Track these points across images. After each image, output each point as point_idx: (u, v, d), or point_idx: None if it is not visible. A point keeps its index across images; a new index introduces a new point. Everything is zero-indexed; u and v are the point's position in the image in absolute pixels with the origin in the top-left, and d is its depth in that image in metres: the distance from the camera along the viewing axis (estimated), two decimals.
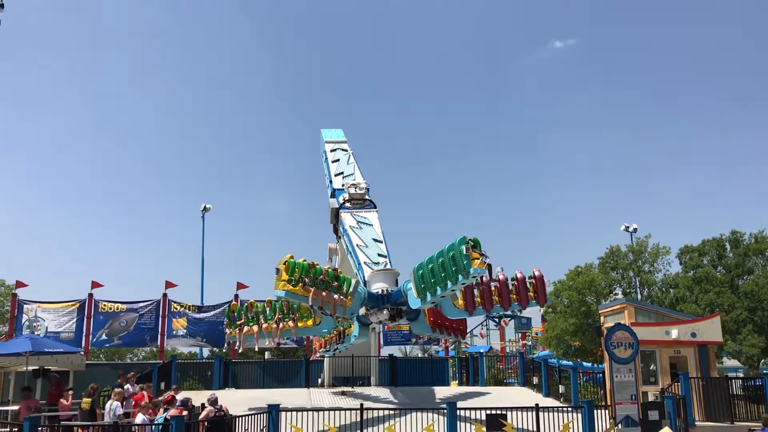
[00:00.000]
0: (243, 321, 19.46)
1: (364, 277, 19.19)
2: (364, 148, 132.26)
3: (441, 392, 23.42)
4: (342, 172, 24.21)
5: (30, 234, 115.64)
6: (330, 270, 17.04)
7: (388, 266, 19.21)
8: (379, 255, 19.73)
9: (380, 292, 18.33)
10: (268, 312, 19.39)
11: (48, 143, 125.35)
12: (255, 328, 19.30)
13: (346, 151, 25.68)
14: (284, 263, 16.29)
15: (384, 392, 23.24)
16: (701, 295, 33.59)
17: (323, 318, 19.20)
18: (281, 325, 19.20)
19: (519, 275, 17.61)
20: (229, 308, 20.41)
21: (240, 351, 21.12)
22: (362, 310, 18.70)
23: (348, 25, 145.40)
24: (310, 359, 28.28)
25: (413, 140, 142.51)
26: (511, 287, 17.43)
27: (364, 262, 19.41)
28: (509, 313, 18.84)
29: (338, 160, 25.07)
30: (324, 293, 16.53)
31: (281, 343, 33.14)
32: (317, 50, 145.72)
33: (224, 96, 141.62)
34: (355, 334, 20.91)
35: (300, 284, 16.22)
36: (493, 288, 17.55)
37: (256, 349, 22.09)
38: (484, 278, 16.42)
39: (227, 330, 20.31)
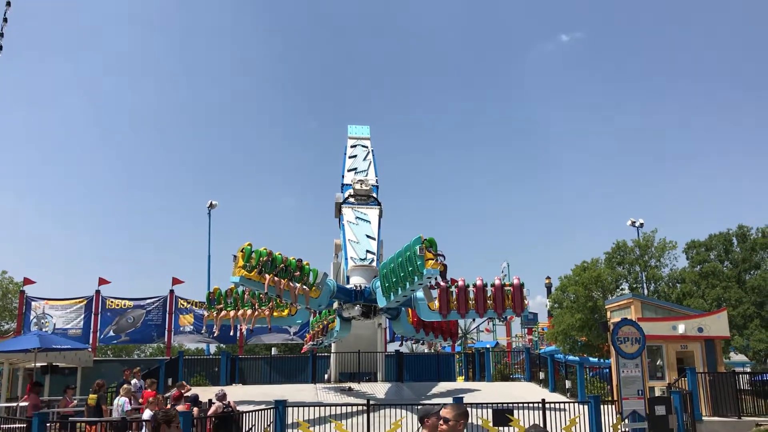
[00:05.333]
0: (222, 305, 19.66)
1: (346, 271, 19.30)
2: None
3: (447, 388, 23.43)
4: (356, 168, 24.23)
5: (37, 231, 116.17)
6: (293, 260, 17.00)
7: (373, 264, 19.28)
8: (367, 251, 19.80)
9: (354, 288, 18.40)
10: (246, 299, 19.53)
11: (55, 140, 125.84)
12: (232, 313, 19.53)
13: (366, 147, 25.65)
14: (241, 250, 16.34)
15: (390, 388, 23.28)
16: (708, 290, 33.47)
17: (298, 310, 19.35)
18: (257, 312, 19.34)
19: (497, 282, 17.53)
20: (210, 292, 20.62)
21: (216, 334, 21.36)
22: (336, 304, 18.85)
23: (355, 20, 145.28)
24: (301, 351, 28.43)
25: (419, 132, 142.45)
26: (489, 293, 17.37)
27: (351, 257, 19.55)
28: (483, 319, 18.74)
29: (355, 156, 25.10)
30: (283, 282, 16.49)
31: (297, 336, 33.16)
32: (325, 46, 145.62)
33: (231, 92, 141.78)
34: (337, 328, 21.05)
35: (255, 271, 16.21)
36: (471, 293, 17.48)
37: (232, 333, 22.31)
38: (438, 279, 16.00)
39: (205, 313, 20.60)
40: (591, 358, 34.42)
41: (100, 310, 31.31)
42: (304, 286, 16.90)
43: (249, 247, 16.41)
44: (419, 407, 6.05)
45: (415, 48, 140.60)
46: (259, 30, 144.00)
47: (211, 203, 42.92)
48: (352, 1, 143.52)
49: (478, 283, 17.46)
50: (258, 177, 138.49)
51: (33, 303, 31.11)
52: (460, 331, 37.01)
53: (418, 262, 14.68)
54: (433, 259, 14.66)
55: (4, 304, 38.84)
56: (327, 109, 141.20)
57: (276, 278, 16.34)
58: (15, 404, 19.47)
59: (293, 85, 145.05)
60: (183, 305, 32.41)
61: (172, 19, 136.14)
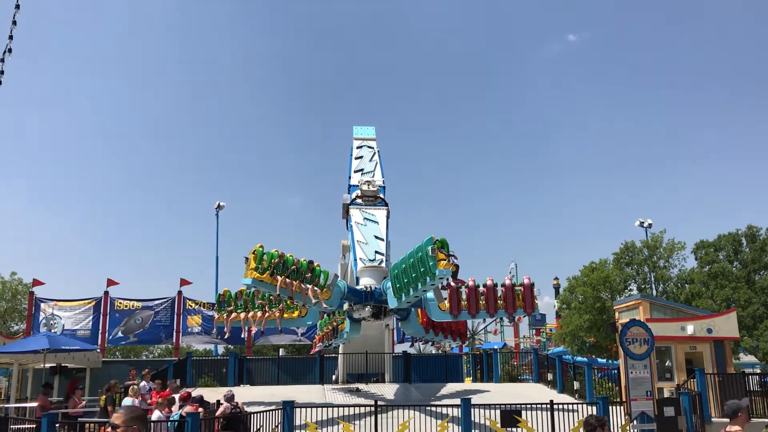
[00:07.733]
0: (232, 307, 19.72)
1: (356, 272, 19.29)
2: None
3: (455, 389, 23.39)
4: (362, 169, 24.22)
5: (47, 233, 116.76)
6: (304, 261, 17.04)
7: (383, 264, 19.30)
8: (376, 252, 19.80)
9: (364, 289, 18.41)
10: (258, 303, 19.58)
11: (63, 142, 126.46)
12: (242, 315, 19.59)
13: (372, 148, 25.63)
14: (253, 252, 16.38)
15: (398, 389, 23.27)
16: (717, 291, 33.29)
17: (309, 311, 19.40)
18: (267, 314, 19.39)
19: (507, 282, 17.48)
20: (219, 294, 20.66)
21: (227, 336, 21.49)
22: (347, 305, 18.87)
23: (360, 20, 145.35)
24: (310, 352, 28.46)
25: (424, 136, 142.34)
26: (499, 293, 17.33)
27: (360, 258, 19.56)
28: (493, 319, 18.72)
29: (361, 157, 25.08)
30: (295, 283, 16.52)
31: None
32: (331, 47, 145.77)
33: (237, 94, 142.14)
34: (347, 330, 21.06)
35: (267, 273, 16.25)
36: (480, 293, 17.44)
37: (242, 335, 22.36)
38: (449, 280, 16.02)
39: (215, 315, 20.66)
40: (599, 359, 34.31)
41: (108, 311, 31.45)
42: (316, 288, 16.94)
43: (260, 249, 16.45)
44: (727, 404, 6.03)
45: (420, 48, 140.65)
46: (265, 31, 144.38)
47: (218, 204, 43.03)
48: (357, 1, 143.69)
49: (489, 283, 17.43)
50: (264, 178, 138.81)
51: (42, 304, 31.29)
52: (467, 332, 36.96)
53: (431, 263, 14.66)
54: (445, 260, 14.65)
55: (13, 306, 39.09)
56: (332, 110, 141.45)
57: (288, 280, 16.39)
58: (26, 405, 19.61)
59: (299, 86, 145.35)
60: (191, 306, 32.52)
61: (177, 21, 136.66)
